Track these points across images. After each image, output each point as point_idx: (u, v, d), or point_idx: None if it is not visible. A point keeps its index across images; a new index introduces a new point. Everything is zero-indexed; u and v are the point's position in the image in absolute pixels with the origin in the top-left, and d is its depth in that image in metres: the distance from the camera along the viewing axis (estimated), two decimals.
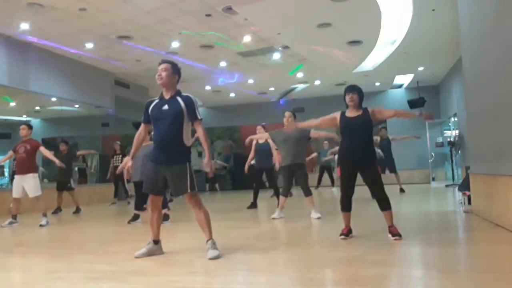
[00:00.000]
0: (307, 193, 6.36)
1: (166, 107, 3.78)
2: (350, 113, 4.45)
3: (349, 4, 8.12)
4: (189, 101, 3.78)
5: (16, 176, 6.98)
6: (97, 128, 14.45)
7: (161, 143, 3.79)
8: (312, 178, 14.13)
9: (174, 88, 3.87)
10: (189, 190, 3.74)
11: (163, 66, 3.86)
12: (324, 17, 8.86)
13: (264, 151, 8.08)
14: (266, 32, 9.85)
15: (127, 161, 3.99)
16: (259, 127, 8.13)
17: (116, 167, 10.78)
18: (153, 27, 9.25)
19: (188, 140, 3.82)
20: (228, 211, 8.41)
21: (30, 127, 7.18)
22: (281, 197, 6.64)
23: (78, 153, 9.66)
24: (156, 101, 3.88)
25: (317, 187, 14.12)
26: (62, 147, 9.27)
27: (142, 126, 3.96)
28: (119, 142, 11.24)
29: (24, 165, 6.88)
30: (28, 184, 6.81)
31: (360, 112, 4.41)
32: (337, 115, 4.51)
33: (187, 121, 3.78)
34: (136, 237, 5.31)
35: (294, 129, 6.17)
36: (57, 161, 7.45)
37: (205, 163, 3.82)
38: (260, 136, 7.36)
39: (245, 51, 11.24)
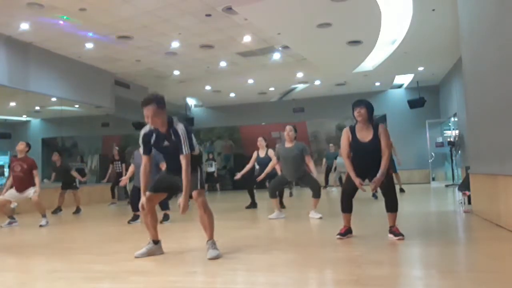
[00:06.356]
0: (316, 195, 6.33)
1: (166, 143, 3.73)
2: (361, 133, 4.28)
3: (349, 4, 8.11)
4: (177, 136, 3.65)
5: (15, 191, 6.89)
6: (97, 128, 14.46)
7: (174, 170, 3.77)
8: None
9: (166, 120, 3.70)
10: (198, 187, 3.77)
11: (147, 111, 3.59)
12: (324, 17, 8.85)
13: (266, 165, 8.06)
14: (266, 32, 9.85)
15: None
16: (260, 139, 8.10)
17: (117, 173, 10.79)
18: (153, 27, 9.25)
19: (196, 150, 3.80)
20: (229, 211, 8.41)
21: (28, 145, 7.04)
22: (272, 200, 6.64)
23: (72, 172, 9.15)
24: (154, 134, 3.75)
25: (324, 187, 14.14)
26: (55, 157, 9.19)
27: (145, 158, 3.84)
28: (117, 148, 11.34)
29: (22, 184, 6.84)
30: (29, 192, 6.85)
31: (370, 134, 4.24)
32: (348, 134, 4.33)
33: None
34: (136, 237, 5.30)
35: (294, 144, 6.38)
36: (37, 188, 6.95)
37: (180, 201, 3.64)
38: (272, 163, 7.02)
39: (245, 51, 11.25)
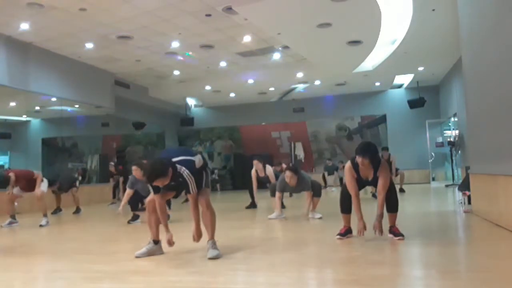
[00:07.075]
0: (316, 194, 6.32)
1: (173, 183, 3.75)
2: (364, 172, 4.25)
3: (349, 4, 8.11)
4: (183, 179, 3.68)
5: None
6: (97, 128, 14.47)
7: None
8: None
9: (171, 173, 3.68)
10: (203, 186, 3.83)
11: (157, 183, 3.62)
12: (324, 17, 8.86)
13: (266, 183, 8.14)
14: (266, 32, 9.85)
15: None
16: (255, 162, 8.13)
17: (118, 182, 11.53)
18: (153, 27, 9.25)
19: (198, 164, 3.81)
20: (229, 211, 8.42)
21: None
22: (272, 198, 6.67)
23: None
24: None
25: (324, 187, 14.25)
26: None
27: (157, 197, 3.82)
28: (113, 163, 11.93)
29: (30, 188, 6.94)
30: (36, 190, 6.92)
31: (372, 171, 4.22)
32: (352, 172, 4.28)
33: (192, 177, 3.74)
34: (136, 237, 5.31)
35: (297, 183, 6.27)
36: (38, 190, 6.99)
37: (193, 234, 3.86)
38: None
39: (245, 51, 11.24)
